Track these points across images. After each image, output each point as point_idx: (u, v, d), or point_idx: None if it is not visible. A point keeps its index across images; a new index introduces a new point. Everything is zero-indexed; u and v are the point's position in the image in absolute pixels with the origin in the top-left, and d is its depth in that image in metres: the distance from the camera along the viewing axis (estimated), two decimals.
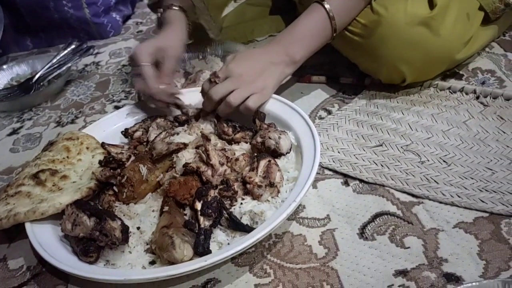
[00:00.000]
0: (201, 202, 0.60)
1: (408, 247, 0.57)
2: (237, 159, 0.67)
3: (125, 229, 0.57)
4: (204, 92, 0.76)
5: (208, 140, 0.69)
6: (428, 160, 0.68)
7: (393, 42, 0.75)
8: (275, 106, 0.78)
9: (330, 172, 0.71)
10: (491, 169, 0.65)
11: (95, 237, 0.57)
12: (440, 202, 0.62)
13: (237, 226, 0.59)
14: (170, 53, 0.81)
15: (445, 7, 0.74)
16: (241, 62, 0.75)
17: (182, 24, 0.88)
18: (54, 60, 1.11)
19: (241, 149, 0.73)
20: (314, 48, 0.78)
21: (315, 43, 0.78)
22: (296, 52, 0.76)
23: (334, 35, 0.78)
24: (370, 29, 0.77)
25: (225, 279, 0.58)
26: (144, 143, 0.77)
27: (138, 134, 0.78)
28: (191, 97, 0.84)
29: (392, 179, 0.66)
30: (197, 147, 0.70)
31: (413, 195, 0.64)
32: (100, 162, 0.71)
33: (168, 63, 0.81)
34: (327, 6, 0.76)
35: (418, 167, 0.67)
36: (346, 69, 0.93)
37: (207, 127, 0.78)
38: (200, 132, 0.73)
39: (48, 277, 0.62)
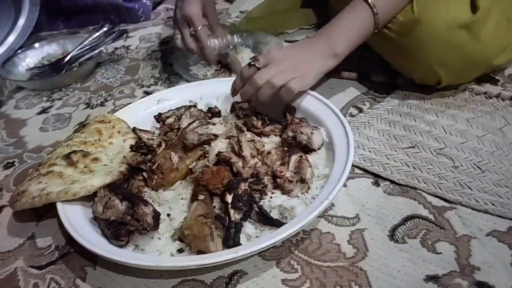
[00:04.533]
0: (232, 195, 0.60)
1: (440, 253, 0.56)
2: (269, 153, 0.67)
3: (157, 216, 0.58)
4: (244, 77, 0.76)
5: (242, 131, 0.69)
6: (462, 165, 0.67)
7: (431, 43, 0.74)
8: (307, 101, 0.77)
9: (360, 171, 0.70)
10: None
11: (127, 221, 0.57)
12: (473, 209, 0.61)
13: (267, 220, 0.59)
14: (210, 11, 0.92)
15: (487, 11, 0.72)
16: (283, 50, 0.76)
17: None
18: (86, 42, 1.12)
19: (270, 142, 0.72)
20: (356, 42, 0.77)
21: (357, 37, 0.77)
22: (338, 45, 0.75)
23: (376, 30, 0.77)
24: (408, 27, 0.75)
25: (252, 272, 0.58)
26: (175, 130, 0.77)
27: (170, 120, 0.78)
28: (222, 86, 0.84)
29: (425, 183, 0.65)
30: (228, 138, 0.70)
31: (445, 200, 0.63)
32: (131, 147, 0.72)
33: (213, 18, 0.93)
34: (370, 0, 0.75)
35: (452, 171, 0.66)
36: (377, 66, 0.92)
37: (236, 119, 0.78)
38: (234, 123, 0.73)
39: (76, 258, 0.62)
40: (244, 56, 1.04)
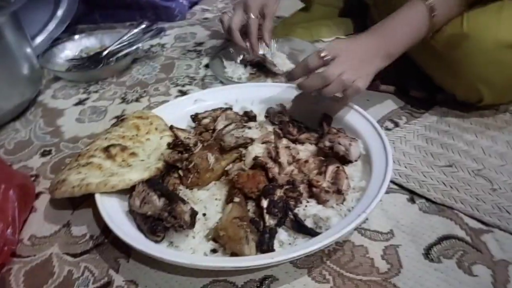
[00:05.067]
0: (268, 200, 0.60)
1: (477, 276, 0.55)
2: (306, 161, 0.67)
3: (194, 214, 0.58)
4: (310, 68, 0.73)
5: (280, 137, 0.69)
6: (501, 188, 0.66)
7: (477, 60, 0.73)
8: (344, 111, 0.77)
9: (396, 187, 0.70)
10: None
11: (164, 218, 0.58)
12: (511, 234, 0.60)
13: (301, 229, 0.59)
14: (269, 11, 0.97)
15: None
16: (345, 44, 0.74)
17: None
18: (124, 38, 1.14)
19: (305, 150, 0.72)
20: (409, 44, 0.75)
21: (411, 40, 0.74)
22: (392, 46, 0.74)
23: (430, 34, 0.76)
24: (456, 41, 0.74)
25: (283, 278, 0.58)
26: (210, 131, 0.78)
27: (206, 121, 0.79)
28: (258, 91, 0.85)
29: (462, 203, 0.65)
30: (263, 143, 0.71)
31: (483, 223, 0.62)
32: (168, 144, 0.73)
33: (268, 21, 0.97)
34: (428, 2, 0.73)
35: (490, 194, 0.66)
36: (415, 81, 0.91)
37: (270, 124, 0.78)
38: (273, 129, 0.73)
39: (110, 248, 0.63)
40: (279, 61, 1.04)
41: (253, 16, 0.95)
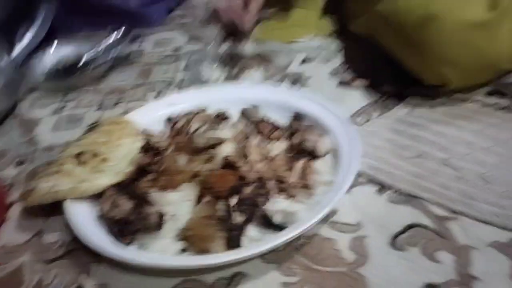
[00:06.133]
0: (236, 198, 0.61)
1: (440, 262, 0.56)
2: (274, 158, 0.68)
3: (161, 216, 0.59)
4: None
5: (248, 136, 0.70)
6: (466, 176, 0.67)
7: (443, 40, 0.73)
8: (315, 108, 0.78)
9: (365, 179, 0.71)
10: None
11: (132, 221, 0.59)
12: (476, 220, 0.61)
13: (269, 224, 0.60)
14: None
15: (506, 10, 0.72)
16: None
17: None
18: (100, 45, 1.14)
19: (277, 148, 0.73)
20: None
21: None
22: None
23: None
24: (423, 22, 0.75)
25: (253, 274, 0.59)
26: (184, 134, 0.79)
27: (180, 124, 0.80)
28: (233, 92, 0.86)
29: (428, 192, 0.66)
30: (235, 142, 0.71)
31: (448, 210, 0.63)
32: (140, 148, 0.73)
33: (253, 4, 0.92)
34: None
35: (456, 182, 0.67)
36: (388, 77, 0.93)
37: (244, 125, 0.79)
38: (242, 128, 0.74)
39: (82, 254, 0.64)
40: (254, 66, 1.05)
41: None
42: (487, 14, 0.72)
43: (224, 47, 1.10)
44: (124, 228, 0.59)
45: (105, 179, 0.66)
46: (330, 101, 0.85)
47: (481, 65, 0.76)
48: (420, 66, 0.81)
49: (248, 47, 1.10)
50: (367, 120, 0.83)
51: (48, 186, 0.65)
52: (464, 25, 0.72)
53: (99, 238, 0.59)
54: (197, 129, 0.76)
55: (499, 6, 0.72)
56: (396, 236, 0.61)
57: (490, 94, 0.84)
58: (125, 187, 0.63)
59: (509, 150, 0.71)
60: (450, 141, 0.74)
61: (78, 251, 0.64)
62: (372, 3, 0.91)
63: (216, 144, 0.72)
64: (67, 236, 0.67)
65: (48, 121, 0.98)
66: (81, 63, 1.11)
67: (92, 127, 0.80)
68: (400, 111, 0.83)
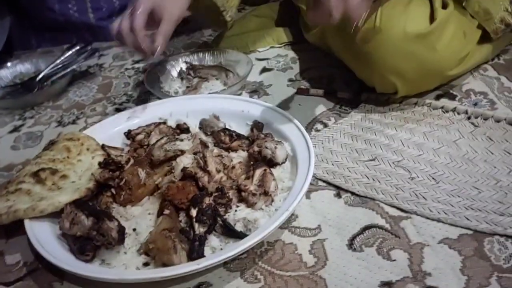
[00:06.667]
0: (196, 209, 0.62)
1: (394, 260, 0.59)
2: (233, 167, 0.70)
3: (121, 230, 0.59)
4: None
5: (206, 146, 0.71)
6: (418, 177, 0.71)
7: (389, 52, 0.77)
8: (272, 117, 0.80)
9: (324, 184, 0.73)
10: (478, 188, 0.67)
11: (92, 237, 0.59)
12: (427, 218, 0.64)
13: (231, 233, 0.61)
14: (167, 16, 0.79)
15: (444, 22, 0.77)
16: None
17: None
18: (58, 61, 1.13)
19: (238, 157, 0.75)
20: None
21: None
22: None
23: None
24: (369, 35, 0.78)
25: (217, 283, 0.60)
26: (145, 147, 0.79)
27: (140, 137, 0.80)
28: (192, 103, 0.87)
29: (383, 193, 0.68)
30: (195, 153, 0.72)
31: (401, 210, 0.66)
32: (99, 163, 0.73)
33: (165, 25, 0.79)
34: None
35: (408, 183, 0.70)
36: (344, 84, 0.97)
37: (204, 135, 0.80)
38: (199, 139, 0.75)
39: (44, 274, 0.63)
40: (214, 75, 1.06)
41: (139, 10, 0.78)
42: (427, 26, 0.77)
43: (184, 58, 1.12)
44: (85, 245, 0.59)
45: (64, 196, 0.65)
46: (288, 109, 0.88)
47: (426, 74, 0.80)
48: (370, 76, 0.85)
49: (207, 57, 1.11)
50: (325, 126, 0.86)
51: (6, 206, 0.65)
52: (407, 36, 0.76)
53: (61, 255, 0.59)
54: (156, 142, 0.77)
55: (438, 18, 0.77)
56: (354, 238, 0.63)
57: (439, 97, 0.88)
58: (84, 203, 0.63)
59: (457, 150, 0.75)
60: (402, 143, 0.78)
61: (41, 271, 0.64)
62: None
63: (175, 156, 0.72)
64: (29, 257, 0.66)
65: (6, 140, 0.96)
66: (38, 79, 1.10)
67: (51, 144, 0.79)
68: (355, 116, 0.86)
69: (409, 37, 0.76)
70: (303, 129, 0.74)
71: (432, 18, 0.78)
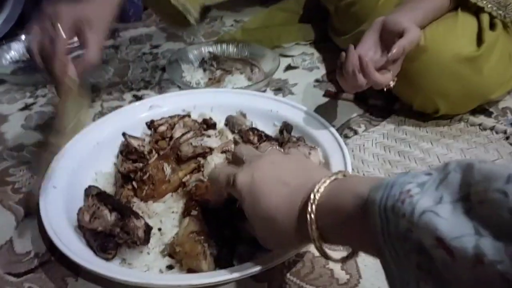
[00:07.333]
0: (226, 212, 0.58)
1: None
2: None
3: (148, 230, 0.55)
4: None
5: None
6: None
7: (435, 72, 0.74)
8: (304, 119, 0.76)
9: None
10: None
11: (115, 234, 0.55)
12: None
13: None
14: (94, 26, 0.72)
15: (492, 45, 0.74)
16: None
17: None
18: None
19: None
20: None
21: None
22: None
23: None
24: (415, 54, 0.74)
25: None
26: (167, 139, 0.75)
27: (162, 128, 0.75)
28: (217, 97, 0.83)
29: None
30: (223, 152, 0.69)
31: None
32: (121, 152, 0.69)
33: (93, 36, 0.71)
34: None
35: None
36: (374, 90, 0.92)
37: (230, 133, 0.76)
38: (233, 137, 0.71)
39: (57, 267, 0.59)
40: (238, 68, 1.02)
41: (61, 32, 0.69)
42: (474, 48, 0.74)
43: (207, 47, 1.07)
44: (107, 242, 0.54)
45: None
46: (316, 111, 0.84)
47: (469, 96, 0.77)
48: (410, 95, 0.81)
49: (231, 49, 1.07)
50: (355, 133, 0.82)
51: None
52: (454, 57, 0.73)
53: (78, 250, 0.55)
54: (181, 136, 0.72)
55: (486, 41, 0.74)
56: None
57: (475, 113, 0.84)
58: (108, 196, 0.59)
59: None
60: (437, 158, 0.74)
61: (53, 263, 0.59)
62: (360, 22, 0.91)
63: (204, 153, 0.68)
64: (41, 247, 0.62)
65: (17, 118, 0.92)
66: None
67: None
68: (388, 126, 0.83)
69: (458, 59, 0.73)
70: (338, 135, 0.71)
71: (479, 39, 0.75)
